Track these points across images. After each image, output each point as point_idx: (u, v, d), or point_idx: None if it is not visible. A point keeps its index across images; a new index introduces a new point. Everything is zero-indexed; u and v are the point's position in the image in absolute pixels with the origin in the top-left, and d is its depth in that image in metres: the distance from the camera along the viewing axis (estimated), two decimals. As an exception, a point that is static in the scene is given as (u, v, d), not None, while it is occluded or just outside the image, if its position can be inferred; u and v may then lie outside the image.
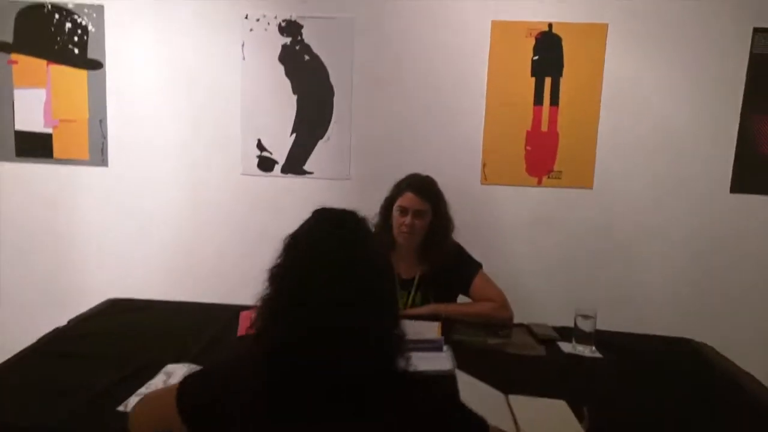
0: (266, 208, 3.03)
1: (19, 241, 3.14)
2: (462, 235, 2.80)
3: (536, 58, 2.89)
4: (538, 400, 1.44)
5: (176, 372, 1.57)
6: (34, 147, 3.03)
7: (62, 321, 2.02)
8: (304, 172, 3.02)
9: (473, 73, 2.91)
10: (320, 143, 3.00)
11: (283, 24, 2.90)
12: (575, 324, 1.84)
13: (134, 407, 1.22)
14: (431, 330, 1.97)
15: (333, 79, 2.94)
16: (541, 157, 2.97)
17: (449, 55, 2.91)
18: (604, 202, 2.98)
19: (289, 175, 3.02)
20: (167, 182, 3.05)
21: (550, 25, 2.86)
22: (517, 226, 3.03)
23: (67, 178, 3.07)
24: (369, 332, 1.02)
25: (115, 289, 2.75)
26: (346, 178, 3.02)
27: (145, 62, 2.96)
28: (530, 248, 3.03)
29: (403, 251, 2.23)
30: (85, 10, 2.91)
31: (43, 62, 2.96)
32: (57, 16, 2.92)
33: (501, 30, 2.88)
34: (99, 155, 3.03)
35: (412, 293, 2.22)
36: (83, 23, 2.92)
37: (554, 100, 2.92)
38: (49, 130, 3.02)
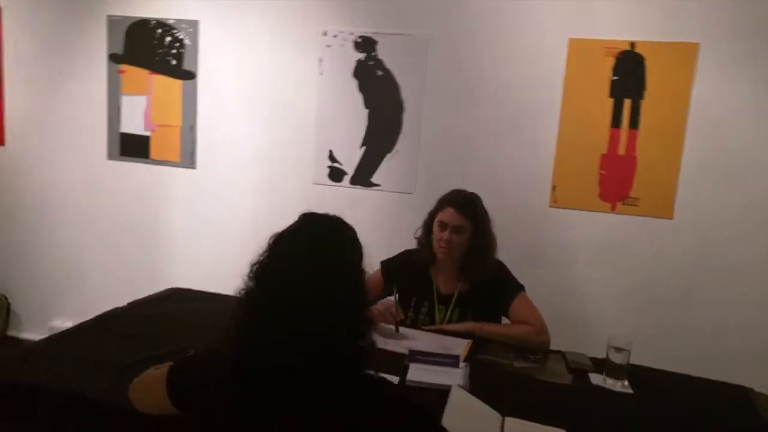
0: (333, 217, 3.11)
1: (111, 230, 3.46)
2: (526, 258, 2.73)
3: (615, 78, 2.75)
4: (535, 425, 1.36)
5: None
6: (135, 148, 3.34)
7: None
8: (372, 184, 3.07)
9: (547, 92, 2.83)
10: (388, 156, 3.04)
11: (359, 40, 3.00)
12: (607, 356, 1.72)
13: (132, 387, 1.30)
14: (459, 346, 1.93)
15: (404, 95, 2.98)
16: (617, 182, 2.81)
17: (522, 73, 2.85)
18: (685, 235, 2.75)
19: (357, 186, 3.09)
20: (246, 186, 3.24)
21: (632, 44, 2.72)
22: (585, 253, 2.88)
23: (159, 178, 3.35)
24: (325, 339, 1.03)
25: (190, 280, 2.96)
26: (410, 192, 3.04)
27: (231, 74, 3.18)
28: (597, 276, 2.87)
29: (443, 266, 2.20)
30: (183, 25, 3.18)
31: (145, 72, 3.27)
32: (159, 30, 3.22)
33: (578, 48, 2.78)
34: (188, 158, 3.28)
35: (450, 309, 2.18)
36: (180, 37, 3.20)
37: (634, 123, 2.76)
38: (147, 134, 3.32)
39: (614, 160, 2.80)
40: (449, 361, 1.75)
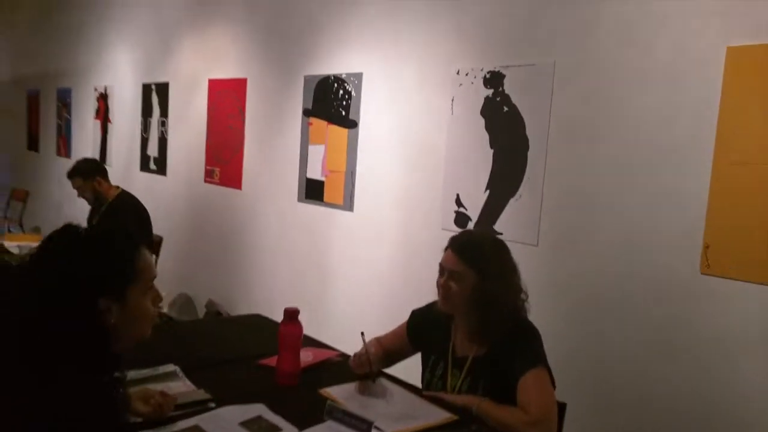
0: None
1: (294, 259, 3.87)
2: (665, 341, 2.19)
3: (798, 94, 1.92)
4: None
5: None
6: (315, 191, 3.72)
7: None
8: (495, 232, 2.76)
9: (697, 121, 2.14)
10: (511, 201, 2.70)
11: (487, 76, 2.78)
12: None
13: None
14: (438, 417, 1.61)
15: (529, 132, 2.63)
16: (805, 245, 1.92)
17: (664, 100, 2.22)
18: None
19: (481, 233, 2.82)
20: (387, 231, 3.27)
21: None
22: (748, 339, 2.02)
23: (328, 219, 3.64)
24: None
25: (346, 310, 3.19)
26: (533, 244, 2.62)
27: (382, 121, 3.29)
28: (760, 370, 1.98)
29: (460, 322, 1.86)
30: (351, 78, 3.45)
31: (324, 123, 3.63)
32: (335, 84, 3.55)
33: (739, 59, 2.04)
34: (348, 201, 3.49)
35: (462, 376, 1.81)
36: (349, 89, 3.47)
37: (831, 158, 1.87)
38: (323, 179, 3.66)
39: (800, 211, 1.93)
40: (362, 426, 1.48)
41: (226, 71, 4.42)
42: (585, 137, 2.46)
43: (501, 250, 1.81)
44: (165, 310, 5.08)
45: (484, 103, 2.81)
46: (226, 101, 4.42)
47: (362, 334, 1.91)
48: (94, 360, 1.13)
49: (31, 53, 7.70)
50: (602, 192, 2.41)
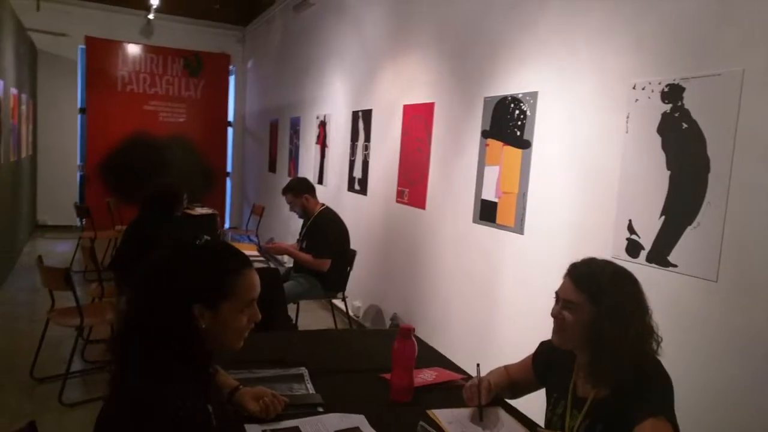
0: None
1: (456, 281, 3.88)
2: None
3: None
4: None
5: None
6: (488, 213, 3.67)
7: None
8: (669, 264, 2.44)
9: None
10: (688, 230, 2.36)
11: (666, 89, 2.49)
12: None
13: None
14: None
15: (710, 151, 2.28)
16: None
17: None
18: None
19: (653, 264, 2.51)
20: (555, 256, 3.08)
21: None
22: None
23: (499, 240, 3.56)
24: None
25: (508, 336, 3.15)
26: (712, 280, 2.26)
27: (555, 140, 3.13)
28: None
29: (581, 360, 1.68)
30: (527, 98, 3.35)
31: (500, 144, 3.58)
32: (512, 105, 3.48)
33: None
34: (519, 224, 3.38)
35: (580, 419, 1.64)
36: (524, 108, 3.37)
37: None
38: (496, 200, 3.60)
39: None
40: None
41: (418, 96, 4.61)
42: (780, 156, 2.06)
43: (623, 283, 1.61)
44: (359, 318, 5.43)
45: (661, 119, 2.51)
46: (417, 125, 4.61)
47: (478, 365, 1.85)
48: (186, 352, 1.30)
49: (274, 88, 8.89)
50: (800, 222, 1.99)
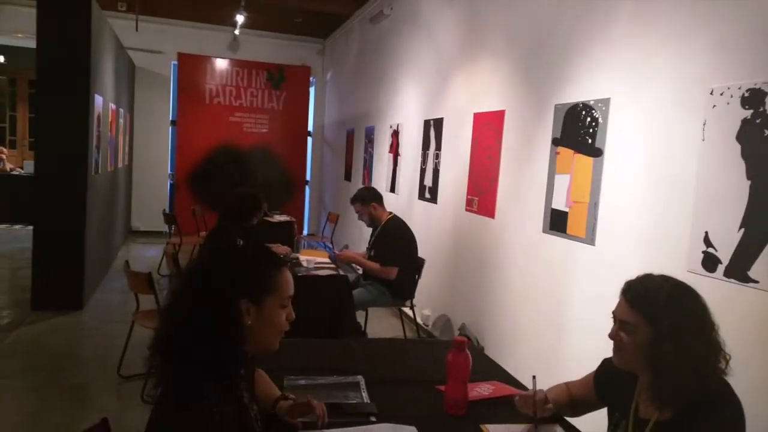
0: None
1: (524, 294, 3.81)
2: None
3: None
4: None
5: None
6: (558, 222, 3.58)
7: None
8: (749, 280, 2.29)
9: None
10: (771, 244, 2.21)
11: (746, 94, 2.34)
12: None
13: None
14: None
15: (796, 159, 2.13)
16: None
17: None
18: None
19: (732, 280, 2.36)
20: (628, 269, 2.95)
21: None
22: None
23: (568, 251, 3.45)
24: None
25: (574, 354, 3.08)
26: (797, 298, 2.10)
27: (627, 149, 3.01)
28: None
29: (642, 381, 1.61)
30: (599, 105, 3.24)
31: (571, 152, 3.48)
32: (583, 112, 3.38)
33: None
34: (590, 235, 3.27)
35: (641, 441, 1.57)
36: (596, 116, 3.27)
37: None
38: (566, 210, 3.50)
39: None
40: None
41: (489, 104, 4.56)
42: None
43: (682, 299, 1.52)
44: (428, 327, 5.43)
45: (740, 126, 2.37)
46: (487, 133, 4.57)
47: (534, 377, 1.81)
48: (227, 350, 1.33)
49: (350, 98, 9.07)
50: None
